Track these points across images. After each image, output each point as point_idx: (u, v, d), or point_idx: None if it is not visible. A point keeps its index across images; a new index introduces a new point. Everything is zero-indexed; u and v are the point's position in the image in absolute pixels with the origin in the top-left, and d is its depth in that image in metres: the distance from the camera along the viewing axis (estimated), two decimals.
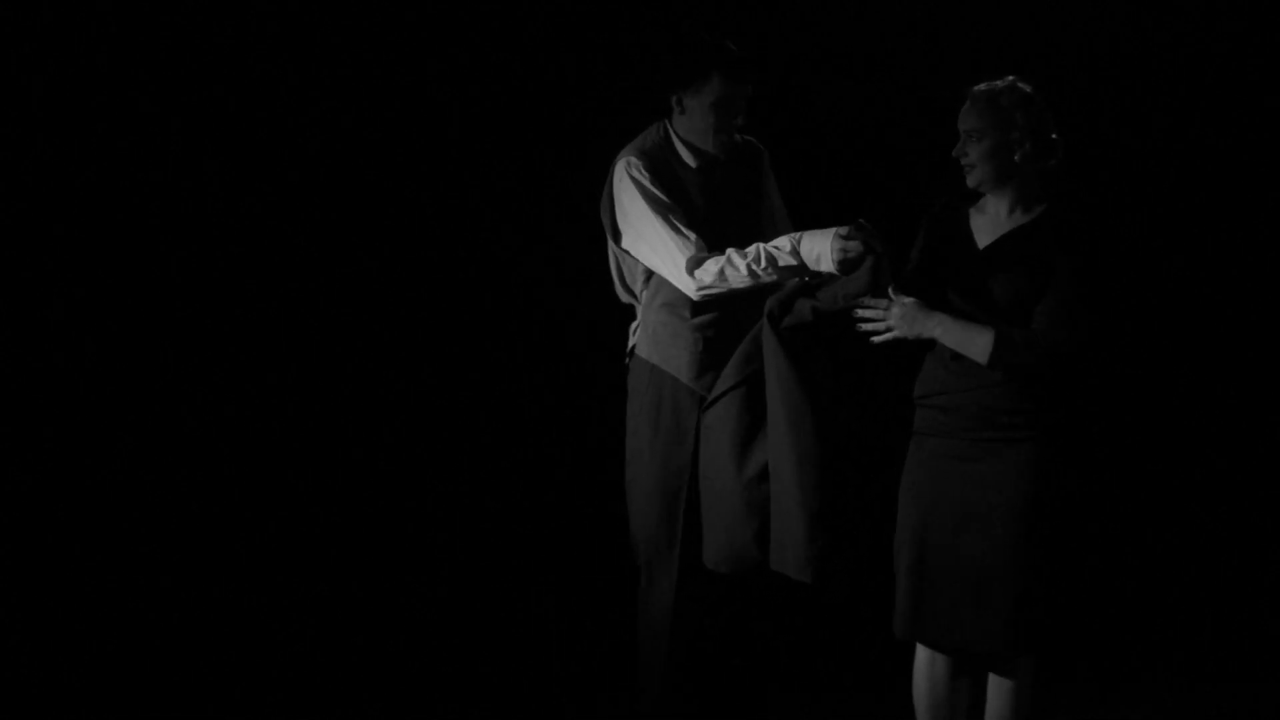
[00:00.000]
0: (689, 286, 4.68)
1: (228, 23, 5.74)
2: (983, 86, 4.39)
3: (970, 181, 4.42)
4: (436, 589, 5.94)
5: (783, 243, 4.61)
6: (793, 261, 4.60)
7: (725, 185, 4.82)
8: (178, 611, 5.71)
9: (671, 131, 4.81)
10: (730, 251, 4.64)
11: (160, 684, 5.59)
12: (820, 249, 4.55)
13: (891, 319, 4.38)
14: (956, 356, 4.36)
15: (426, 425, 5.95)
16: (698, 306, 4.73)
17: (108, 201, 5.68)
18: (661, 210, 4.71)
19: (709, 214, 4.77)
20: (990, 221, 4.45)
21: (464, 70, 5.96)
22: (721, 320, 4.75)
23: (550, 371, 5.98)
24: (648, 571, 4.77)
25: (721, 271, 4.64)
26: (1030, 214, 4.42)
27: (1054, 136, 4.41)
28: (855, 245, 4.47)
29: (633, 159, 4.76)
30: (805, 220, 4.94)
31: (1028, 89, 4.40)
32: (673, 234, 4.69)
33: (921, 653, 4.46)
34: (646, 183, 4.72)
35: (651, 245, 4.72)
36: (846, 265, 4.50)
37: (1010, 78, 4.41)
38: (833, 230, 4.55)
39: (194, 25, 5.71)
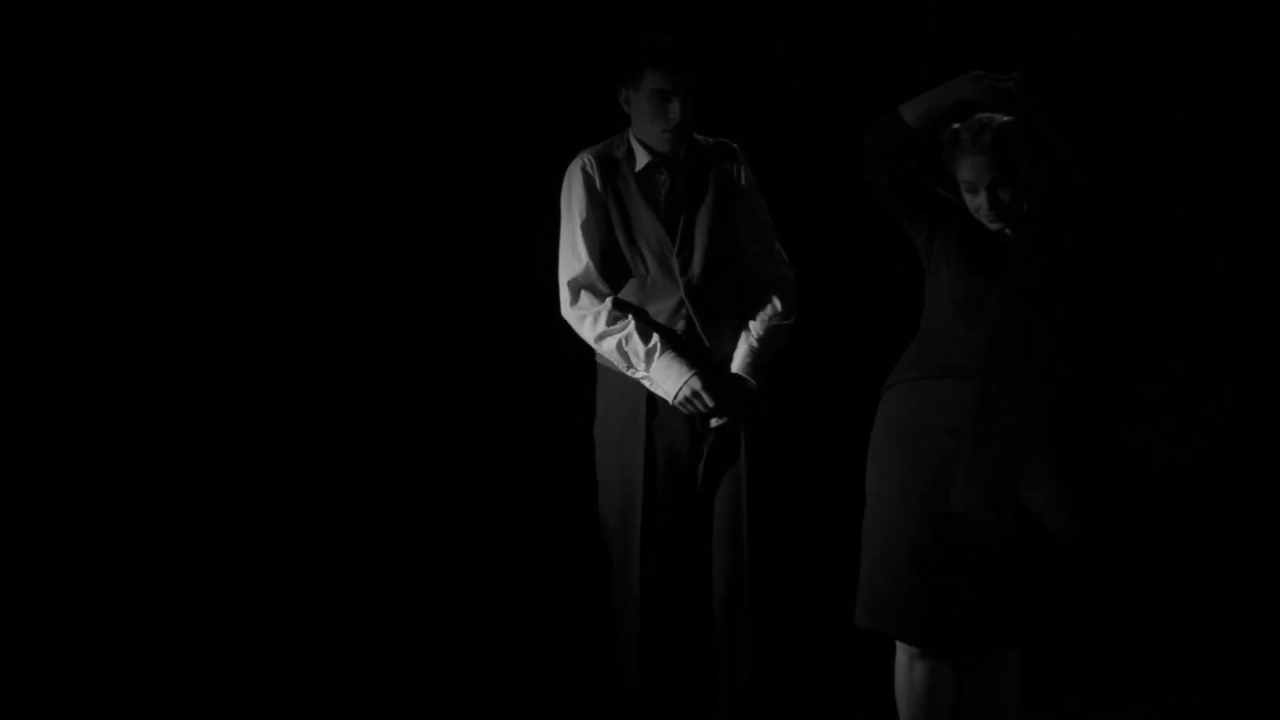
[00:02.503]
0: (563, 308, 4.69)
1: (221, 22, 5.77)
2: (1003, 136, 4.23)
3: (996, 226, 4.33)
4: (420, 590, 5.96)
5: (649, 345, 4.59)
6: (642, 368, 4.60)
7: (680, 189, 4.71)
8: (165, 611, 5.74)
9: (630, 131, 4.73)
10: (609, 304, 4.63)
11: (147, 684, 5.61)
12: (671, 380, 4.57)
13: None
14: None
15: (410, 426, 5.98)
16: (633, 305, 4.68)
17: (106, 201, 5.70)
18: (571, 223, 4.68)
19: (667, 215, 4.70)
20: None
21: (460, 69, 5.97)
22: (671, 314, 4.69)
23: (538, 369, 5.98)
24: (615, 571, 4.75)
25: (584, 318, 4.65)
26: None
27: None
28: (701, 405, 4.56)
29: (586, 156, 4.72)
30: (789, 222, 4.92)
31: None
32: (570, 249, 4.67)
33: (901, 653, 4.43)
34: (580, 187, 4.67)
35: (560, 249, 4.71)
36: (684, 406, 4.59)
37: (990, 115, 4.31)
38: (691, 373, 4.57)
39: (191, 24, 5.73)
